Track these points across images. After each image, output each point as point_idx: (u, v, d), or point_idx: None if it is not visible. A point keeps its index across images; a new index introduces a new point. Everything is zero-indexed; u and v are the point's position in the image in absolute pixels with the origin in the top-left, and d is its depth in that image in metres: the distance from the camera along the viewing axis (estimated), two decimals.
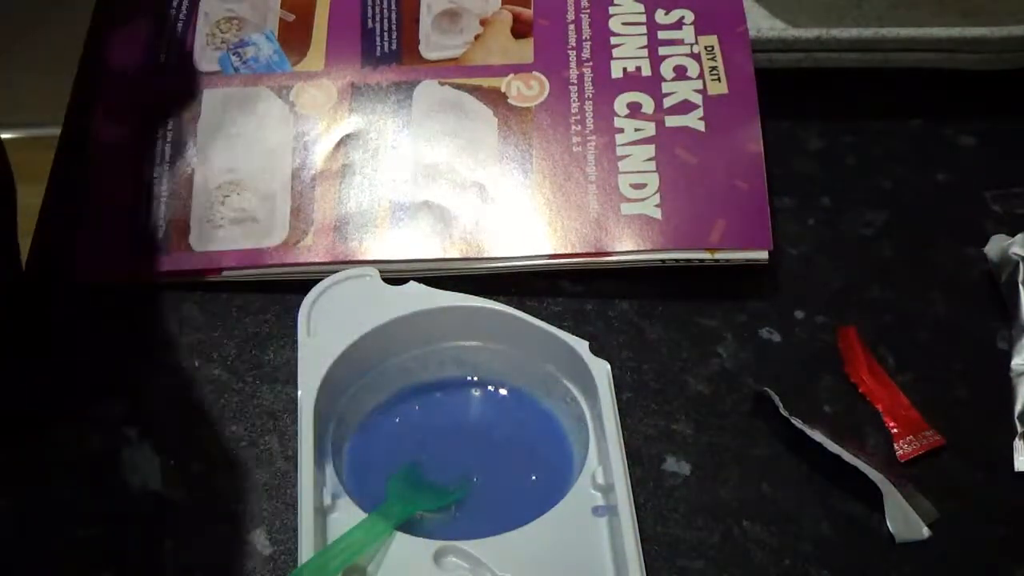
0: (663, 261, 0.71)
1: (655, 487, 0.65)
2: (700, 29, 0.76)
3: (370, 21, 0.78)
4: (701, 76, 0.75)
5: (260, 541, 0.63)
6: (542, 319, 0.66)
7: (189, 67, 0.76)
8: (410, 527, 0.61)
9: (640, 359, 0.69)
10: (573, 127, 0.74)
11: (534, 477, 0.64)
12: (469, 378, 0.67)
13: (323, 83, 0.76)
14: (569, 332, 0.66)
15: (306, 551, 0.58)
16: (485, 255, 0.71)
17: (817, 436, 0.65)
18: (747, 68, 0.75)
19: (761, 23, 0.78)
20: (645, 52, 0.76)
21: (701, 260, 0.70)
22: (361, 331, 0.65)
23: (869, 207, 0.75)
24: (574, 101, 0.75)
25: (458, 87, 0.75)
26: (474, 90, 0.75)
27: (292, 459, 0.64)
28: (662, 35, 0.76)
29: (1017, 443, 0.66)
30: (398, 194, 0.72)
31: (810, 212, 0.75)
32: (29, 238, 0.73)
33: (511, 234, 0.71)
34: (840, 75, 0.79)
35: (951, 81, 0.79)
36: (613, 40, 0.77)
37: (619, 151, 0.73)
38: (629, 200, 0.72)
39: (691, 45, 0.76)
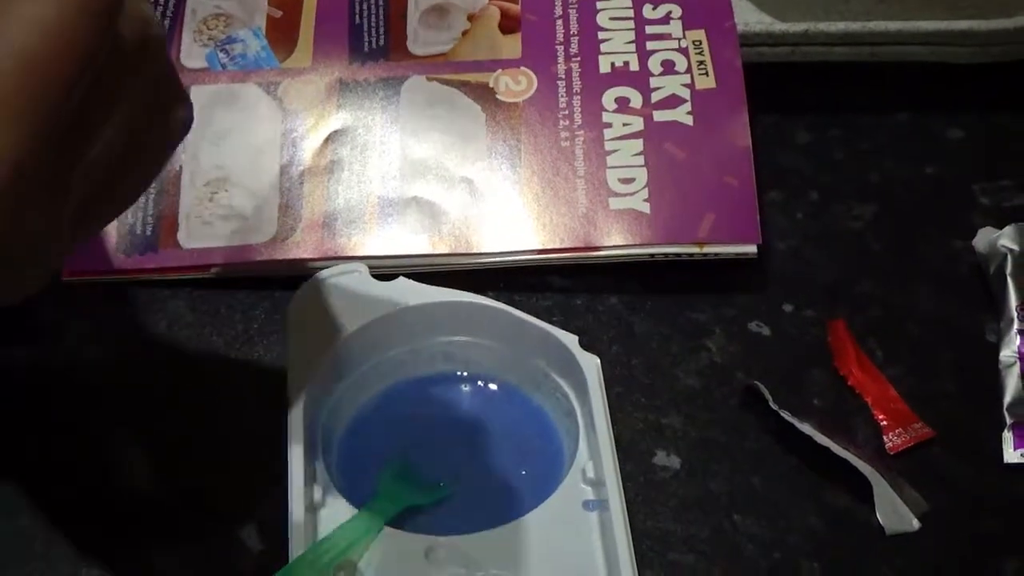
0: (652, 255, 0.71)
1: (645, 481, 0.65)
2: (688, 24, 0.76)
3: (358, 17, 0.78)
4: (689, 71, 0.75)
5: (250, 538, 0.63)
6: (531, 314, 0.66)
7: (176, 64, 0.76)
8: (401, 522, 0.61)
9: (629, 353, 0.69)
10: (561, 122, 0.74)
11: (524, 472, 0.64)
12: (459, 373, 0.67)
13: (311, 79, 0.76)
14: (558, 327, 0.66)
15: (297, 547, 0.58)
16: (474, 250, 0.71)
17: (807, 429, 0.65)
18: (735, 62, 0.75)
19: (748, 17, 0.78)
20: (633, 47, 0.76)
21: (690, 254, 0.70)
22: (350, 327, 0.65)
23: (857, 200, 0.76)
24: (562, 96, 0.75)
25: (446, 83, 0.75)
26: (462, 86, 0.75)
27: (282, 456, 0.64)
28: (650, 30, 0.76)
29: (1006, 435, 0.66)
30: (387, 190, 0.72)
31: (798, 206, 0.75)
32: None
33: (500, 229, 0.71)
34: (828, 69, 0.79)
35: (939, 74, 0.79)
36: (601, 35, 0.77)
37: (607, 146, 0.73)
38: (618, 195, 0.72)
39: (679, 40, 0.76)
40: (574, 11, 0.77)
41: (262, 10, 0.78)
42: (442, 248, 0.71)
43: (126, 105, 0.47)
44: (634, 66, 0.75)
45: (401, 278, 0.67)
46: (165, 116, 0.50)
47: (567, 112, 0.74)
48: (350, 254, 0.70)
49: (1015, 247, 0.70)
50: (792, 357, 0.69)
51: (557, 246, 0.71)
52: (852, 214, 0.75)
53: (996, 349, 0.69)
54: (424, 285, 0.67)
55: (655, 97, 0.74)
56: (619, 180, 0.72)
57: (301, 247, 0.71)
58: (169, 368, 0.68)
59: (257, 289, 0.71)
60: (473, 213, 0.72)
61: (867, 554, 0.62)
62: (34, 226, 0.44)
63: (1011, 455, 0.66)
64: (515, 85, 0.75)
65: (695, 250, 0.70)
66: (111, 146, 0.47)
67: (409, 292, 0.66)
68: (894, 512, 0.63)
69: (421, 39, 0.77)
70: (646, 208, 0.71)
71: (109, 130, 0.46)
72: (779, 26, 0.77)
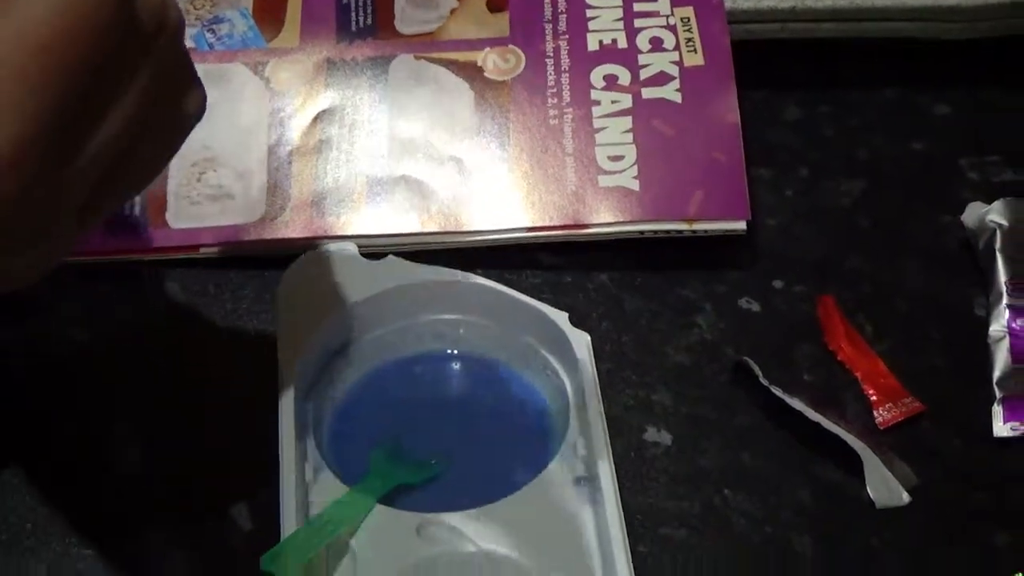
0: (641, 233, 0.71)
1: (636, 457, 0.65)
2: (676, 1, 0.76)
3: None
4: (677, 48, 0.75)
5: (241, 516, 0.63)
6: (521, 292, 0.66)
7: None
8: (392, 500, 0.60)
9: (619, 330, 0.69)
10: (550, 100, 0.74)
11: (515, 449, 0.64)
12: (449, 351, 0.67)
13: (298, 59, 0.75)
14: (548, 304, 0.66)
15: (288, 526, 0.58)
16: (463, 229, 0.71)
17: (797, 405, 0.65)
18: (723, 39, 0.75)
19: None
20: (621, 24, 0.76)
21: (679, 231, 0.71)
22: (340, 306, 0.65)
23: (846, 177, 0.76)
24: (550, 74, 0.75)
25: (434, 61, 0.75)
26: (450, 64, 0.75)
27: (273, 435, 0.64)
28: (638, 7, 0.76)
29: (996, 408, 0.66)
30: (375, 169, 0.72)
31: (787, 182, 0.75)
32: None
33: (489, 207, 0.71)
34: (816, 45, 0.79)
35: (927, 50, 0.79)
36: (589, 13, 0.76)
37: (596, 123, 0.73)
38: (607, 172, 0.72)
39: (667, 17, 0.76)
40: None
41: None
42: (431, 226, 0.71)
43: (138, 88, 0.46)
44: (622, 43, 0.75)
45: (390, 256, 0.67)
46: (177, 103, 0.49)
47: (555, 90, 0.74)
48: (339, 233, 0.70)
49: (1004, 222, 0.70)
50: (782, 333, 0.69)
51: (546, 224, 0.71)
52: (841, 190, 0.75)
53: (985, 323, 0.69)
54: (413, 263, 0.67)
55: (643, 74, 0.74)
56: (608, 157, 0.72)
57: (290, 227, 0.71)
58: (158, 348, 0.68)
59: (246, 269, 0.71)
60: (462, 191, 0.71)
61: (857, 528, 0.63)
62: (39, 207, 0.44)
63: (1001, 429, 0.66)
64: (503, 63, 0.75)
65: (684, 227, 0.70)
66: (121, 130, 0.46)
67: (398, 270, 0.66)
68: (884, 486, 0.63)
69: (408, 18, 0.77)
70: (635, 185, 0.71)
71: (119, 113, 0.45)
72: (767, 3, 0.77)
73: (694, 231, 0.70)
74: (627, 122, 0.73)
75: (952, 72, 0.80)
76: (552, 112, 0.73)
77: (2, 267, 0.45)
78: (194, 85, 0.50)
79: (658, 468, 0.64)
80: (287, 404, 0.61)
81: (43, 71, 0.42)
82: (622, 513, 0.59)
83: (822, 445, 0.64)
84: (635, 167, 0.72)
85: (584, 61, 0.75)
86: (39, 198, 0.43)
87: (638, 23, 0.76)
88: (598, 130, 0.73)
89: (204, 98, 0.50)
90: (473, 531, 0.59)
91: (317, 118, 0.74)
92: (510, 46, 0.76)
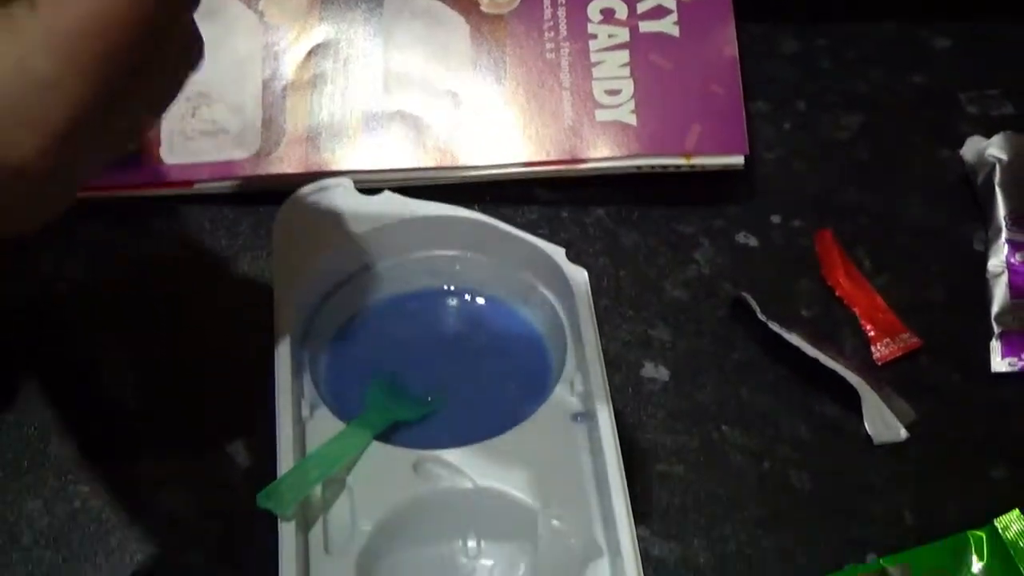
0: (639, 167, 0.70)
1: (634, 393, 0.65)
2: None
3: None
4: None
5: (239, 453, 0.63)
6: (518, 227, 0.66)
7: None
8: (389, 437, 0.60)
9: (617, 266, 0.69)
10: (547, 34, 0.73)
11: (512, 385, 0.63)
12: (445, 287, 0.66)
13: None
14: (545, 239, 0.66)
15: (285, 462, 0.58)
16: (460, 164, 0.70)
17: (795, 340, 0.65)
18: None
19: None
20: None
21: (677, 166, 0.70)
22: (335, 241, 0.64)
23: (845, 110, 0.75)
24: (547, 8, 0.74)
25: None
26: None
27: (269, 371, 0.63)
28: None
29: (994, 344, 0.66)
30: (370, 104, 0.72)
31: (786, 116, 0.75)
32: None
33: (485, 142, 0.71)
34: None
35: None
36: None
37: (593, 57, 0.72)
38: (604, 107, 0.71)
39: None
40: None
41: None
42: (427, 162, 0.70)
43: (169, 52, 0.47)
44: None
45: (386, 192, 0.67)
46: (188, 58, 0.50)
47: (552, 23, 0.73)
48: (334, 169, 0.70)
49: (1003, 156, 0.70)
50: (780, 268, 0.69)
51: (543, 159, 0.70)
52: (840, 124, 0.75)
53: (984, 258, 0.69)
54: (410, 199, 0.66)
55: (641, 8, 0.74)
56: (605, 92, 0.71)
57: (285, 162, 0.70)
58: (153, 285, 0.68)
59: (241, 205, 0.70)
60: (458, 126, 0.71)
61: (855, 463, 0.63)
62: (77, 164, 0.45)
63: (998, 364, 0.66)
64: None
65: (682, 161, 0.70)
66: (152, 89, 0.47)
67: (395, 206, 0.66)
68: (882, 422, 0.63)
69: None
70: (632, 120, 0.71)
71: (157, 78, 0.47)
72: None
73: (692, 166, 0.70)
74: (624, 56, 0.72)
75: (952, 4, 0.79)
76: (549, 46, 0.73)
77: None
78: (198, 38, 0.50)
79: (656, 404, 0.64)
80: (283, 341, 0.61)
81: (101, 51, 0.43)
82: (619, 449, 0.59)
83: (820, 381, 0.64)
84: (632, 101, 0.71)
85: None
86: (77, 158, 0.45)
87: None
88: (595, 64, 0.72)
89: (203, 48, 0.51)
90: (470, 467, 0.59)
91: (311, 52, 0.73)
92: None
